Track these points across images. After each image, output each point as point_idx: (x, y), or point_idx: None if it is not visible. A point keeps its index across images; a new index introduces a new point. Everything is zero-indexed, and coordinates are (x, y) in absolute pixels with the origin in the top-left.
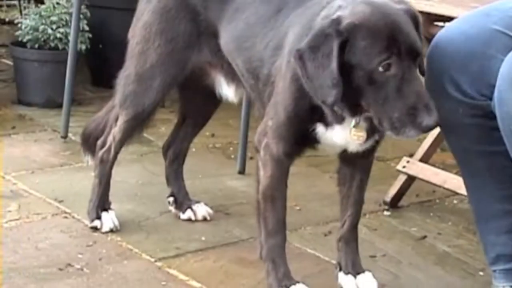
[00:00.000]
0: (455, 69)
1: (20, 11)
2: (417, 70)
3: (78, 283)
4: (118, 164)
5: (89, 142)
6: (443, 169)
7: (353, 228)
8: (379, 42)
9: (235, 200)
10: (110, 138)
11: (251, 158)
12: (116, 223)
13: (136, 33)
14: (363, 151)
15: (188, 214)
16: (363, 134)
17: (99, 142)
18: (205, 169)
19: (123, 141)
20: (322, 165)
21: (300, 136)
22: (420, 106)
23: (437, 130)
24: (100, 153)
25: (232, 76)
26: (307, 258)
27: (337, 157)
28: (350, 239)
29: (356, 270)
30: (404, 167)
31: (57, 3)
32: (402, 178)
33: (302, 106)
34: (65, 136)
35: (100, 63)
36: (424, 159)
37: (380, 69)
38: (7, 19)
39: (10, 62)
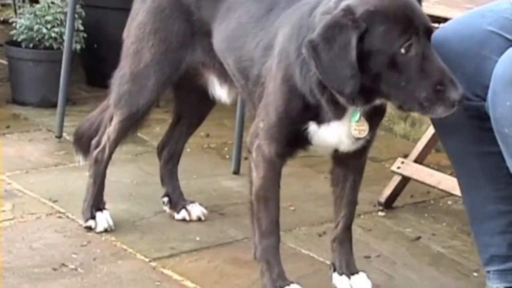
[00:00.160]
0: (450, 70)
1: (15, 11)
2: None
3: (72, 283)
4: (113, 164)
5: (82, 142)
6: (437, 170)
7: (347, 228)
8: (397, 25)
9: (230, 200)
10: (104, 138)
11: (245, 158)
12: (111, 223)
13: (130, 33)
14: (355, 151)
15: (183, 214)
16: (365, 128)
17: (93, 141)
18: (200, 169)
19: (117, 141)
20: (317, 166)
21: (292, 137)
22: (446, 82)
23: (431, 131)
24: (95, 152)
25: (225, 77)
26: (301, 258)
27: (330, 157)
28: (344, 239)
29: (350, 270)
30: (398, 168)
31: (52, 3)
32: (396, 179)
33: (294, 106)
34: (59, 136)
35: (95, 62)
36: (419, 160)
37: (402, 51)
38: (1, 19)
39: (4, 62)
